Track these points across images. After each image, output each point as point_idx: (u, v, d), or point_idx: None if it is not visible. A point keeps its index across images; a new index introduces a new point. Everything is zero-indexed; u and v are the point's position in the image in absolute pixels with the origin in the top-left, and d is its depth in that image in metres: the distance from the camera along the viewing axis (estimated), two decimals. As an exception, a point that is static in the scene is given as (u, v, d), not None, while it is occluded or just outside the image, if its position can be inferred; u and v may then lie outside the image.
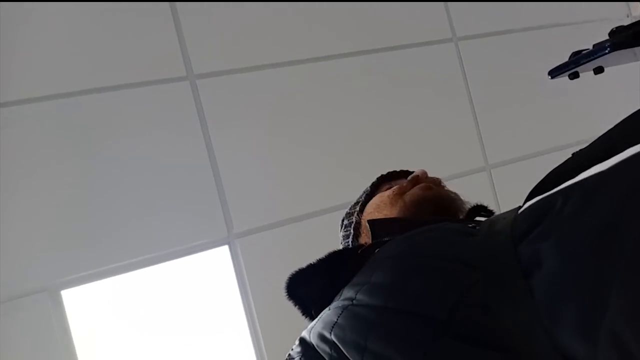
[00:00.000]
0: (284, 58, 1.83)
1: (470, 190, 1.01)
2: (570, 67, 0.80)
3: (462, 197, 0.99)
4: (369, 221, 0.91)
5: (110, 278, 1.57)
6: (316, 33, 1.89)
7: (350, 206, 1.09)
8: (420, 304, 0.60)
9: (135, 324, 1.61)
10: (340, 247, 1.05)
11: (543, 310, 0.49)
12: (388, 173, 1.11)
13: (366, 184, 1.09)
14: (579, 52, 0.80)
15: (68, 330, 1.49)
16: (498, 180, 2.01)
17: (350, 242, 1.02)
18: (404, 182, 0.99)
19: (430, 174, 1.04)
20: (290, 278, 0.85)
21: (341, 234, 1.07)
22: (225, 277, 1.68)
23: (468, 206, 0.97)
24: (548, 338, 0.48)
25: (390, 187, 1.03)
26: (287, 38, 1.84)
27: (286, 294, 0.85)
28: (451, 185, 1.03)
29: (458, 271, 0.59)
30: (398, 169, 1.13)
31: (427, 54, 2.04)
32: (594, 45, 0.75)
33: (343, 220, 1.07)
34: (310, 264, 0.85)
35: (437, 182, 1.01)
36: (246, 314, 1.67)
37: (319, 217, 1.74)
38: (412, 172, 1.08)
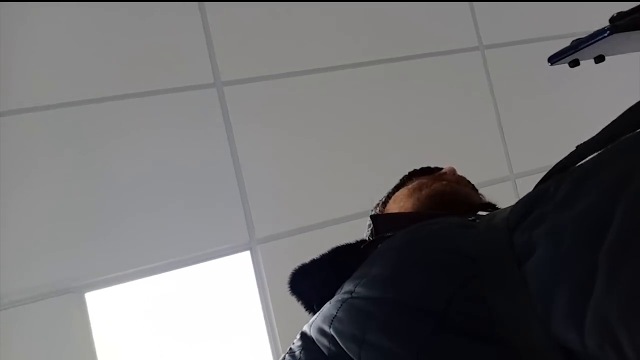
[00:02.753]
0: (310, 65, 1.84)
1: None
2: (570, 52, 0.78)
3: (482, 196, 0.98)
4: (371, 216, 0.91)
5: (133, 281, 1.58)
6: (342, 40, 1.89)
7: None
8: (418, 295, 0.60)
9: (155, 327, 1.62)
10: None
11: (536, 298, 0.49)
12: (421, 168, 1.11)
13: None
14: (579, 39, 0.79)
15: (90, 332, 1.51)
16: (523, 190, 1.98)
17: (368, 233, 1.01)
18: (428, 178, 0.99)
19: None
20: (293, 273, 0.86)
21: (367, 231, 1.06)
22: (246, 283, 1.68)
23: (485, 201, 0.97)
24: (543, 328, 0.48)
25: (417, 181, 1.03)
26: (314, 45, 1.85)
27: (289, 288, 0.86)
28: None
29: (456, 263, 0.59)
30: (432, 165, 1.12)
31: (453, 62, 2.03)
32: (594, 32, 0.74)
33: (368, 220, 1.08)
34: (313, 259, 0.86)
35: (461, 181, 1.00)
36: (265, 320, 1.67)
37: (341, 224, 1.74)
38: (442, 168, 1.08)
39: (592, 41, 0.72)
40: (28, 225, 1.48)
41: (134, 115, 1.62)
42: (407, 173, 1.10)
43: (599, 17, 2.24)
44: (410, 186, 0.99)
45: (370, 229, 1.03)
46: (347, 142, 1.84)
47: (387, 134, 1.89)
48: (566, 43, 2.26)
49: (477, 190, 1.01)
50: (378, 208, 1.03)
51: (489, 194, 1.01)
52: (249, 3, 1.78)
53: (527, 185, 2.02)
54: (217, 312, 1.68)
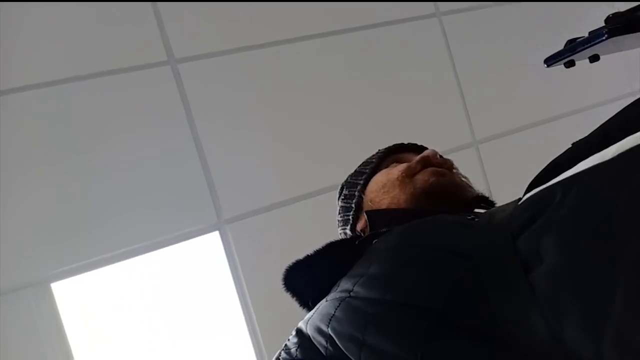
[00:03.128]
0: (267, 39, 1.80)
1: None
2: (567, 55, 0.79)
3: (471, 183, 0.97)
4: (367, 212, 0.91)
5: (102, 269, 1.55)
6: (298, 12, 1.86)
7: (351, 174, 1.04)
8: (417, 295, 0.60)
9: (128, 313, 1.60)
10: (338, 217, 1.03)
11: (545, 304, 0.49)
12: (395, 145, 1.06)
13: (354, 165, 1.05)
14: (574, 39, 0.79)
15: (60, 322, 1.49)
16: (486, 156, 2.01)
17: (350, 217, 0.99)
18: (412, 161, 0.95)
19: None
20: (287, 269, 0.85)
21: (340, 203, 1.03)
22: (217, 263, 1.67)
23: (475, 194, 0.95)
24: (550, 331, 0.48)
25: (397, 162, 1.00)
26: (269, 18, 1.82)
27: (283, 285, 0.85)
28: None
29: (454, 262, 0.59)
30: (406, 142, 1.07)
31: (411, 30, 2.03)
32: (589, 33, 0.74)
33: (342, 189, 1.04)
34: (308, 255, 0.84)
35: (449, 166, 0.97)
36: (240, 299, 1.66)
37: (308, 199, 1.74)
38: (421, 146, 1.05)
39: (590, 45, 0.72)
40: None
41: (88, 98, 1.57)
42: (382, 150, 1.05)
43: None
44: (397, 172, 0.94)
45: (348, 201, 1.01)
46: (308, 116, 1.82)
47: (348, 106, 1.88)
48: (525, 7, 2.27)
49: (462, 175, 0.99)
50: (357, 191, 0.99)
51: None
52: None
53: (490, 151, 2.06)
54: (190, 295, 1.67)
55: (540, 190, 0.57)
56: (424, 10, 2.06)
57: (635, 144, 0.51)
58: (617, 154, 0.52)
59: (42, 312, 1.45)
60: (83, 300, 1.56)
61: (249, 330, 1.66)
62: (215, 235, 1.68)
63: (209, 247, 1.68)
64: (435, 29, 2.07)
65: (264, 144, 1.75)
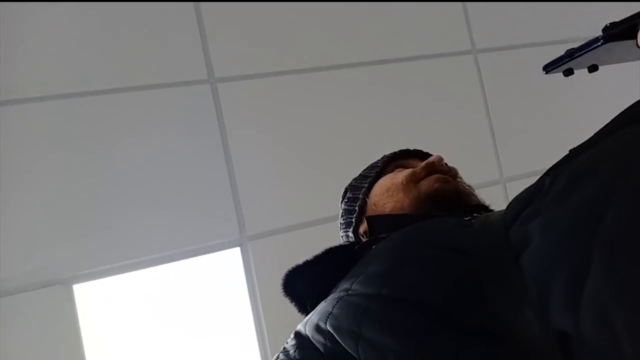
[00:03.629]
0: (305, 65, 1.84)
1: (486, 200, 1.00)
2: (565, 60, 0.79)
3: (476, 192, 0.97)
4: (367, 218, 0.91)
5: (122, 275, 1.58)
6: (337, 41, 1.90)
7: (356, 177, 1.04)
8: (415, 291, 0.60)
9: (144, 321, 1.62)
10: (340, 220, 1.03)
11: (532, 289, 0.50)
12: (401, 151, 1.06)
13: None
14: (573, 48, 0.79)
15: (77, 324, 1.51)
16: (512, 194, 1.99)
17: (353, 220, 0.99)
18: (417, 167, 0.95)
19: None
20: (287, 274, 0.86)
21: (343, 206, 1.03)
22: (235, 279, 1.69)
23: (481, 202, 0.95)
24: (539, 318, 0.49)
25: (402, 167, 1.00)
26: (309, 45, 1.86)
27: (282, 290, 0.86)
28: (466, 178, 1.01)
29: (452, 259, 0.60)
30: (412, 148, 1.08)
31: (446, 65, 2.04)
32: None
33: (346, 192, 1.04)
34: (307, 260, 0.85)
35: (454, 174, 0.97)
36: (254, 316, 1.67)
37: (332, 222, 1.73)
38: (427, 153, 1.05)
39: (586, 50, 0.72)
40: (18, 216, 1.47)
41: (127, 109, 1.62)
42: (387, 155, 1.06)
43: (591, 22, 2.27)
44: (401, 177, 0.94)
45: (351, 204, 0.99)
46: (339, 141, 1.84)
47: (379, 135, 1.90)
48: (559, 50, 2.28)
49: (466, 184, 0.99)
50: (361, 194, 0.99)
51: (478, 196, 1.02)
52: (245, 2, 1.78)
53: (516, 190, 2.04)
54: (205, 308, 1.68)
55: (531, 185, 0.59)
56: (460, 47, 2.08)
57: (622, 131, 0.52)
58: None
59: (61, 312, 1.48)
60: (101, 305, 1.58)
61: (260, 348, 1.66)
62: (236, 251, 1.69)
63: (228, 263, 1.70)
64: (470, 65, 2.09)
65: (293, 165, 1.77)
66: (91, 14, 1.61)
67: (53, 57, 1.56)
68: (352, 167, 1.81)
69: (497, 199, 2.10)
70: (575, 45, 0.76)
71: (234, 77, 1.75)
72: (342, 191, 1.07)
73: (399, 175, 0.95)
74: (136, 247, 1.57)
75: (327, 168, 1.80)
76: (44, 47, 1.55)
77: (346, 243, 0.99)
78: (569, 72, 0.81)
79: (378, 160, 1.05)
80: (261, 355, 1.66)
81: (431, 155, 1.00)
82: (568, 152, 0.60)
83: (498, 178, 2.03)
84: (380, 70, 1.95)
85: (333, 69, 1.88)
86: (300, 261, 0.87)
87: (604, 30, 0.71)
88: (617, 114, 0.57)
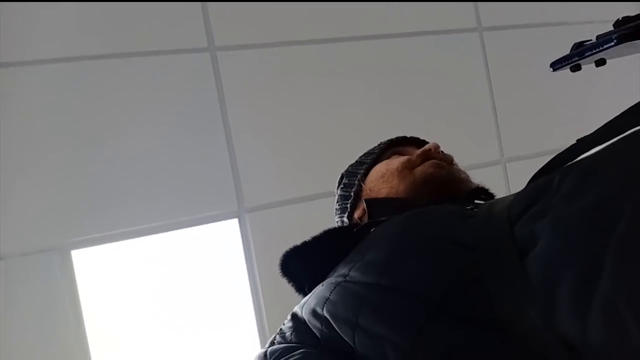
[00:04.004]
0: (307, 36, 1.82)
1: (484, 183, 1.00)
2: (575, 59, 0.77)
3: (471, 179, 0.97)
4: (366, 200, 0.91)
5: (120, 242, 1.59)
6: (341, 13, 1.87)
7: (352, 164, 1.05)
8: (415, 283, 0.59)
9: (141, 289, 1.64)
10: (336, 205, 1.04)
11: (538, 288, 0.49)
12: (397, 138, 1.08)
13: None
14: (582, 43, 0.77)
15: (76, 289, 1.52)
16: (513, 175, 2.00)
17: (348, 206, 1.00)
18: (414, 154, 0.96)
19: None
20: (284, 255, 0.86)
21: (339, 192, 1.04)
22: (232, 250, 1.70)
23: (475, 186, 0.95)
24: (542, 317, 0.48)
25: (399, 154, 1.01)
26: (312, 16, 1.83)
27: (280, 270, 0.86)
28: (462, 165, 1.02)
29: (454, 252, 0.59)
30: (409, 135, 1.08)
31: (451, 43, 2.02)
32: (597, 37, 0.72)
33: (342, 178, 1.05)
34: (305, 241, 0.85)
35: (449, 161, 0.98)
36: (251, 287, 1.68)
37: (331, 197, 1.74)
38: (424, 140, 1.06)
39: (598, 50, 0.70)
40: (16, 182, 1.47)
41: (127, 75, 1.60)
42: (384, 142, 1.07)
43: (597, 3, 2.23)
44: (397, 163, 0.95)
45: (347, 190, 1.01)
46: (340, 117, 1.83)
47: (380, 110, 1.89)
48: (564, 31, 2.24)
49: (462, 171, 0.99)
50: (356, 180, 1.00)
51: (478, 176, 1.02)
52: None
53: (517, 170, 2.04)
54: (203, 279, 1.69)
55: (540, 179, 0.58)
56: (466, 24, 2.05)
57: (634, 130, 0.51)
58: (615, 140, 0.52)
59: (59, 278, 1.49)
60: (99, 271, 1.59)
61: (257, 320, 1.68)
62: (234, 223, 1.70)
63: (226, 234, 1.70)
64: (475, 43, 2.06)
65: (292, 139, 1.76)
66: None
67: (51, 20, 1.54)
68: (351, 141, 1.81)
69: (497, 179, 2.11)
70: (585, 40, 0.73)
71: (235, 47, 1.73)
72: (339, 177, 1.07)
73: (395, 161, 0.96)
74: (134, 215, 1.57)
75: (326, 142, 1.80)
76: (42, 10, 1.53)
77: (345, 226, 0.99)
78: (576, 68, 0.79)
79: (375, 147, 1.06)
80: (258, 326, 1.67)
81: (428, 142, 1.01)
82: (575, 142, 0.59)
83: (499, 158, 2.03)
84: (384, 45, 1.92)
85: (335, 42, 1.86)
86: (298, 241, 0.87)
87: (615, 25, 0.68)
88: (629, 106, 0.56)
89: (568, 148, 0.59)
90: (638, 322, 0.41)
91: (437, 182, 0.90)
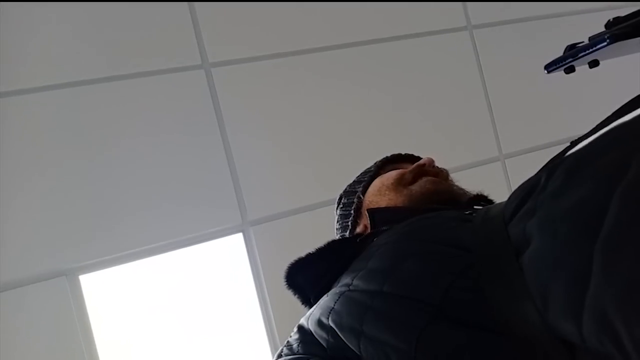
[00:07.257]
0: (301, 46, 1.83)
1: (484, 180, 1.01)
2: (568, 60, 0.78)
3: (467, 192, 0.98)
4: (368, 210, 0.91)
5: (127, 264, 1.59)
6: (332, 22, 1.88)
7: (349, 184, 1.07)
8: (415, 287, 0.60)
9: (150, 309, 1.64)
10: (337, 225, 1.05)
11: (533, 289, 0.49)
12: (392, 155, 1.10)
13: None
14: (574, 45, 0.78)
15: (86, 314, 1.53)
16: (512, 171, 2.00)
17: (349, 223, 1.01)
18: (408, 169, 0.98)
19: (444, 163, 1.02)
20: (289, 267, 0.86)
21: (339, 212, 1.05)
22: (239, 265, 1.70)
23: (478, 193, 0.96)
24: (540, 318, 0.48)
25: (395, 170, 1.01)
26: (304, 26, 1.84)
27: (285, 283, 0.87)
28: (458, 178, 1.02)
29: (452, 254, 0.60)
30: (404, 153, 1.11)
31: (442, 43, 2.03)
32: (590, 38, 0.73)
33: (341, 199, 1.06)
34: (309, 253, 0.86)
35: (444, 176, 0.99)
36: (259, 301, 1.68)
37: (333, 205, 1.75)
38: (418, 157, 1.07)
39: (591, 51, 0.71)
40: (22, 209, 1.47)
41: (123, 98, 1.61)
42: (379, 160, 1.09)
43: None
44: (390, 177, 0.97)
45: (347, 208, 1.03)
46: (338, 123, 1.84)
47: (377, 115, 1.89)
48: (554, 24, 2.25)
49: (457, 185, 1.00)
50: (355, 198, 1.01)
51: (478, 174, 1.02)
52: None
53: (516, 166, 2.05)
54: (211, 294, 1.69)
55: (528, 179, 0.58)
56: (455, 23, 2.07)
57: (616, 124, 0.51)
58: (598, 135, 0.52)
59: (68, 303, 1.49)
60: (108, 294, 1.59)
61: (267, 333, 1.67)
62: (238, 237, 1.70)
63: (231, 249, 1.71)
64: (466, 42, 2.07)
65: (292, 148, 1.77)
66: (84, 1, 1.59)
67: (46, 47, 1.55)
68: (352, 149, 1.82)
69: (496, 176, 2.11)
70: (577, 42, 0.74)
71: (229, 62, 1.74)
72: (337, 198, 1.09)
73: (390, 176, 0.98)
74: (139, 236, 1.58)
75: (326, 151, 1.80)
76: (37, 38, 1.54)
77: (348, 236, 1.00)
78: (570, 70, 0.80)
79: (371, 165, 1.08)
80: (269, 339, 1.67)
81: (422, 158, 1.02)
82: (569, 144, 0.60)
83: (497, 155, 2.03)
84: (376, 50, 1.93)
85: (327, 50, 1.87)
86: (303, 251, 0.87)
87: (607, 25, 0.69)
88: (618, 104, 0.56)
89: (562, 151, 0.60)
90: (625, 322, 0.41)
91: (434, 195, 0.92)
